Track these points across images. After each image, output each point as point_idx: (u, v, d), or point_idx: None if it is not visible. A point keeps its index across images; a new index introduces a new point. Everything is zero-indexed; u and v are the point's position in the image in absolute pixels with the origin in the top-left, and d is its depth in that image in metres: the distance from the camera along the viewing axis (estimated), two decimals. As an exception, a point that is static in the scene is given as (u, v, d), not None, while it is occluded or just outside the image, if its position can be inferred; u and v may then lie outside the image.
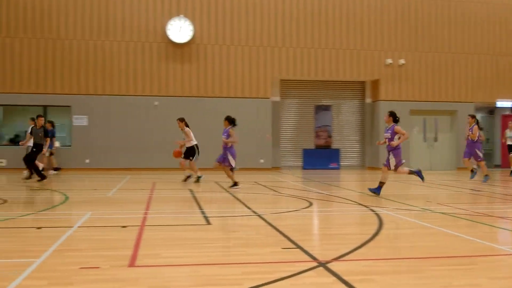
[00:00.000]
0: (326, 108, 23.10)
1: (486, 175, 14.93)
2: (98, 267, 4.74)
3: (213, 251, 5.63)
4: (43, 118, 15.07)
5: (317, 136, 22.98)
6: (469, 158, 14.98)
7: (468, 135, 14.84)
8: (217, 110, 20.94)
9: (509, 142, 18.81)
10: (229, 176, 13.27)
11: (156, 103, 20.73)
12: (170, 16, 20.85)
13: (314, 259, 5.18)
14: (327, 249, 5.88)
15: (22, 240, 6.26)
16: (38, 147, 14.62)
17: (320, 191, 12.46)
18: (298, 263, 5.01)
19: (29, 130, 15.56)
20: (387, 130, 11.46)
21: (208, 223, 7.51)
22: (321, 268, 4.83)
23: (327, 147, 22.96)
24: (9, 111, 21.02)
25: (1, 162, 19.76)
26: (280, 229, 6.89)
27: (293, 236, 6.39)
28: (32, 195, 11.48)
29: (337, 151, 22.78)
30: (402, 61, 22.39)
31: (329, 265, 4.90)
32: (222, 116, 20.93)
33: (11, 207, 9.19)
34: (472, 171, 14.93)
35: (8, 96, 20.04)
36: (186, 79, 21.07)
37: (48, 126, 17.11)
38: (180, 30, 20.80)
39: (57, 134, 19.38)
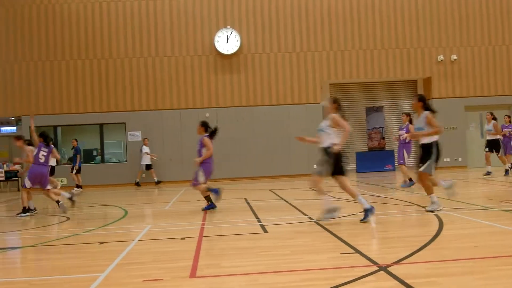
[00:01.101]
0: (378, 109, 22.77)
1: None
2: (161, 279, 4.84)
3: (271, 259, 5.64)
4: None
5: (370, 138, 22.66)
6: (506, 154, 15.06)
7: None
8: (267, 118, 21.06)
9: (488, 137, 16.20)
10: (204, 194, 10.61)
11: (207, 114, 20.99)
12: (217, 28, 21.14)
13: (374, 263, 5.11)
14: (386, 252, 5.78)
15: (87, 255, 6.47)
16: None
17: (376, 194, 12.27)
18: (358, 268, 4.95)
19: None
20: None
21: (265, 231, 7.53)
22: (381, 272, 4.76)
23: (380, 149, 22.59)
24: (67, 131, 21.82)
25: (62, 181, 20.50)
26: (338, 234, 6.83)
27: (351, 241, 6.32)
28: (93, 211, 11.84)
29: (391, 153, 22.37)
30: (454, 57, 21.81)
31: (390, 269, 4.82)
32: (273, 124, 21.26)
33: (73, 224, 9.52)
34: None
35: (65, 116, 20.82)
36: (235, 89, 21.28)
37: (74, 144, 18.09)
38: (227, 41, 21.05)
39: (113, 151, 20.03)
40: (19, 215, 11.00)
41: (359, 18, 21.75)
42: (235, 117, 21.03)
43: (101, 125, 21.20)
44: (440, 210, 8.60)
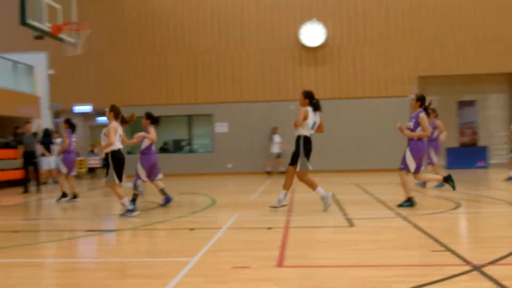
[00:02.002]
0: (470, 103, 21.77)
1: None
2: (249, 267, 4.96)
3: (359, 253, 5.60)
4: (31, 124, 15.57)
5: (462, 133, 21.74)
6: None
7: None
8: (353, 111, 20.80)
9: None
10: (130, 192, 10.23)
11: (292, 107, 21.03)
12: (303, 21, 21.09)
13: (467, 262, 4.93)
14: (480, 252, 5.56)
15: (178, 240, 6.74)
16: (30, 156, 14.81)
17: (468, 191, 11.78)
18: (450, 267, 4.81)
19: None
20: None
21: (351, 225, 7.48)
22: (475, 272, 4.59)
23: (473, 144, 21.62)
24: (160, 122, 22.62)
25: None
26: (427, 231, 6.65)
27: (442, 238, 6.14)
28: (182, 199, 12.26)
29: (484, 149, 21.35)
30: (555, 48, 20.42)
31: (484, 269, 4.64)
32: (359, 118, 20.93)
33: (165, 210, 9.92)
34: None
35: (156, 108, 21.65)
36: (320, 82, 21.17)
37: None
38: (313, 34, 20.96)
39: (200, 141, 20.66)
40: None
41: (450, 8, 20.87)
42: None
43: (189, 117, 21.89)
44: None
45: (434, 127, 12.70)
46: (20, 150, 15.54)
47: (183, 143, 22.24)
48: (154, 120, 10.15)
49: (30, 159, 14.91)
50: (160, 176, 10.52)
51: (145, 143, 10.14)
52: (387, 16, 21.05)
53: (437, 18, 20.89)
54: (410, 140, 8.81)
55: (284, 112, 21.13)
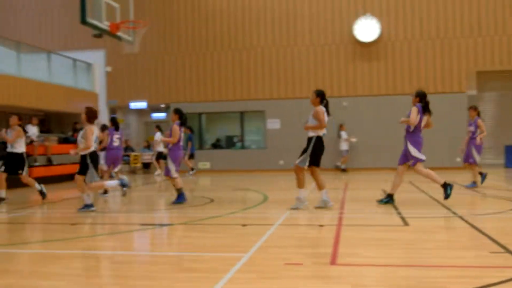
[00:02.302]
0: (532, 99, 20.88)
1: None
2: (301, 264, 4.95)
3: (413, 253, 5.49)
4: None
5: (522, 130, 20.88)
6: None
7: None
8: (408, 108, 20.34)
9: None
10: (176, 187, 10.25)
11: (344, 103, 20.85)
12: (357, 16, 20.81)
13: (529, 265, 4.75)
14: (543, 255, 5.34)
15: (231, 236, 6.81)
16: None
17: (529, 191, 11.32)
18: (510, 269, 4.64)
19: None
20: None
21: (406, 224, 7.34)
22: (538, 275, 4.42)
23: (534, 142, 20.74)
24: (211, 118, 22.97)
25: (205, 165, 21.68)
26: (485, 231, 6.44)
27: (501, 239, 5.93)
28: (235, 195, 12.37)
29: (546, 147, 20.46)
30: None
31: (547, 272, 4.46)
32: (413, 114, 20.43)
33: (217, 206, 10.04)
34: None
35: (209, 104, 21.93)
36: (374, 78, 20.85)
37: (187, 131, 18.89)
38: (367, 29, 20.64)
39: (252, 138, 20.78)
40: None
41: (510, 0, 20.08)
42: (374, 106, 20.62)
43: (241, 113, 22.03)
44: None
45: (476, 126, 12.20)
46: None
47: (235, 139, 22.42)
48: (181, 116, 10.27)
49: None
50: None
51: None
52: (444, 9, 20.46)
53: (497, 11, 20.14)
54: (407, 134, 9.32)
55: (337, 108, 20.89)
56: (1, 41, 18.73)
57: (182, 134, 10.32)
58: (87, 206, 9.47)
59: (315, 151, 8.90)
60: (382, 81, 20.78)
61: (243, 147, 22.18)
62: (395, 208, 8.94)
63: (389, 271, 4.75)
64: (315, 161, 8.96)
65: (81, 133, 9.54)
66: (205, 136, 22.96)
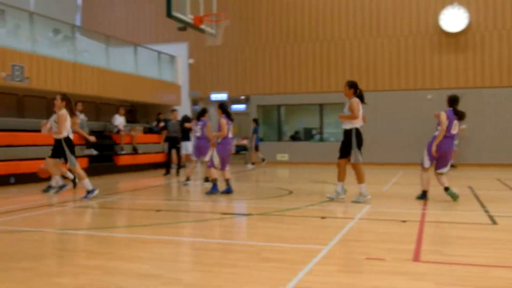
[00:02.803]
0: None
1: None
2: (383, 259, 4.86)
3: (503, 253, 5.23)
4: (177, 112, 16.22)
5: None
6: None
7: None
8: (497, 100, 19.39)
9: None
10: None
11: (429, 96, 20.15)
12: (443, 6, 19.99)
13: None
14: None
15: (310, 228, 6.80)
16: (174, 141, 15.73)
17: None
18: None
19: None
20: None
21: (494, 222, 7.00)
22: None
23: None
24: (290, 110, 22.98)
25: (284, 156, 21.75)
26: None
27: None
28: (313, 188, 12.31)
29: None
30: None
31: None
32: (503, 108, 19.43)
33: (296, 197, 10.05)
34: None
35: (288, 96, 21.94)
36: (461, 69, 19.97)
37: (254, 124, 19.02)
38: (454, 18, 19.79)
39: (331, 130, 20.58)
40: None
41: None
42: (461, 99, 19.72)
43: (320, 105, 21.86)
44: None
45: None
46: (164, 135, 16.69)
47: (314, 132, 22.31)
48: (224, 111, 10.39)
49: (173, 144, 15.87)
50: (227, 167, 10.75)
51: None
52: (540, -3, 19.22)
53: None
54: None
55: (420, 101, 20.28)
56: (92, 35, 19.69)
57: (231, 127, 10.54)
58: (90, 192, 9.84)
59: (359, 144, 8.93)
60: (470, 74, 19.86)
61: (321, 139, 22.02)
62: (482, 206, 8.55)
63: (475, 270, 4.55)
64: (346, 153, 9.00)
65: (54, 117, 9.73)
66: (283, 128, 23.01)
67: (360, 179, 9.04)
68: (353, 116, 8.84)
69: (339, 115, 9.06)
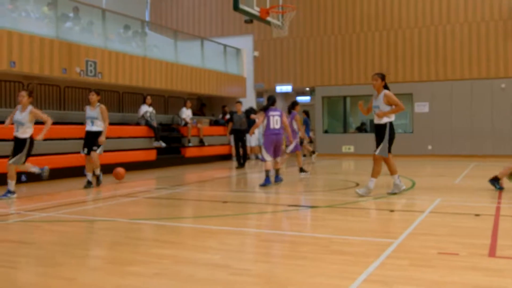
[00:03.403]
0: None
1: None
2: (457, 254, 4.70)
3: None
4: (239, 104, 16.56)
5: None
6: None
7: None
8: None
9: None
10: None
11: (503, 85, 19.25)
12: (519, -11, 19.02)
13: None
14: None
15: (379, 221, 6.68)
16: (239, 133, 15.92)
17: None
18: None
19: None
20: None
21: None
22: None
23: None
24: (356, 101, 22.57)
25: (349, 148, 21.47)
26: None
27: None
28: (380, 180, 12.03)
29: None
30: None
31: None
32: None
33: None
34: None
35: (353, 87, 21.59)
36: (538, 56, 18.93)
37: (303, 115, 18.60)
38: (531, 3, 18.78)
39: (399, 121, 20.14)
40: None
41: None
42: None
43: (387, 96, 21.35)
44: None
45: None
46: (229, 127, 16.84)
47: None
48: (266, 105, 11.04)
49: (239, 137, 16.03)
50: (280, 158, 10.98)
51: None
52: None
53: None
54: None
55: (493, 90, 19.42)
56: (160, 30, 20.16)
57: (274, 119, 10.70)
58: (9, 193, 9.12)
59: (391, 138, 8.63)
60: (548, 60, 18.81)
61: (388, 131, 21.54)
62: None
63: (559, 268, 4.32)
64: (389, 148, 8.65)
65: (24, 115, 9.16)
66: (349, 120, 22.69)
67: (392, 170, 8.80)
68: (401, 108, 8.54)
69: (377, 113, 8.55)
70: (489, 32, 19.55)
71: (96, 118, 10.64)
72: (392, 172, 8.84)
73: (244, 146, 16.21)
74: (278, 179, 11.03)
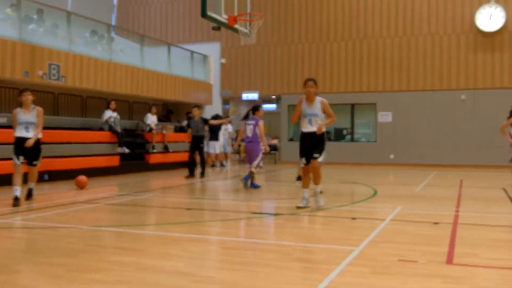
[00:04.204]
0: None
1: None
2: (416, 261, 4.80)
3: (540, 257, 5.11)
4: (195, 109, 14.79)
5: None
6: None
7: None
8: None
9: None
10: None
11: (463, 97, 19.80)
12: (479, 4, 19.61)
13: None
14: None
15: (340, 228, 6.76)
16: (195, 140, 14.50)
17: None
18: None
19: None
20: None
21: (530, 226, 6.85)
22: None
23: None
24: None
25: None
26: None
27: None
28: (343, 188, 12.22)
29: None
30: None
31: None
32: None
33: (326, 198, 9.97)
34: None
35: (322, 96, 21.78)
36: (497, 70, 19.55)
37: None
38: (490, 17, 19.39)
39: (363, 131, 20.43)
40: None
41: None
42: (495, 100, 19.35)
43: (352, 105, 21.69)
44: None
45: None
46: (188, 133, 15.51)
47: (344, 132, 22.14)
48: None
49: (196, 144, 14.66)
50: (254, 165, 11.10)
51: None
52: None
53: None
54: None
55: (454, 101, 19.94)
56: (127, 34, 19.98)
57: (248, 128, 11.14)
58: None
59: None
60: (506, 73, 19.42)
61: (352, 140, 21.85)
62: (518, 209, 8.37)
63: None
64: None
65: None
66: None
67: (320, 180, 8.40)
68: (334, 119, 8.36)
69: (319, 129, 8.05)
70: (451, 45, 20.09)
71: (32, 123, 8.93)
72: (319, 182, 8.37)
73: (201, 153, 14.94)
74: (253, 185, 11.28)
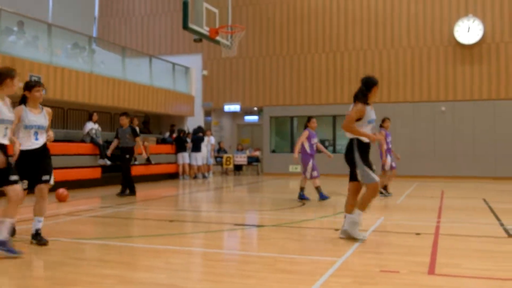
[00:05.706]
0: None
1: None
2: (397, 271, 4.84)
3: (519, 266, 5.18)
4: (123, 117, 12.81)
5: None
6: None
7: None
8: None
9: None
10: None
11: (443, 108, 20.07)
12: (458, 17, 19.97)
13: None
14: None
15: (324, 239, 6.78)
16: (122, 151, 12.67)
17: None
18: None
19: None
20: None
21: (509, 235, 6.94)
22: None
23: None
24: (303, 122, 22.86)
25: (296, 168, 21.71)
26: None
27: None
28: (325, 200, 12.26)
29: None
30: None
31: None
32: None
33: (308, 209, 10.04)
34: None
35: (301, 108, 21.94)
36: (476, 81, 19.87)
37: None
38: (468, 30, 19.74)
39: (344, 142, 20.52)
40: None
41: None
42: (474, 111, 19.66)
43: (334, 117, 21.84)
44: None
45: None
46: (113, 145, 13.35)
47: (326, 144, 22.25)
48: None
49: (121, 156, 12.84)
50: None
51: None
52: (556, 9, 19.12)
53: None
54: None
55: (434, 113, 20.20)
56: (108, 46, 19.91)
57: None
58: None
59: None
60: (485, 85, 19.76)
61: (334, 151, 21.95)
62: (498, 219, 8.47)
63: (492, 284, 4.52)
64: None
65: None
66: (296, 140, 22.96)
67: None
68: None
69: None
70: (431, 57, 20.39)
71: (43, 127, 6.29)
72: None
73: (126, 168, 12.68)
74: (322, 196, 11.53)
